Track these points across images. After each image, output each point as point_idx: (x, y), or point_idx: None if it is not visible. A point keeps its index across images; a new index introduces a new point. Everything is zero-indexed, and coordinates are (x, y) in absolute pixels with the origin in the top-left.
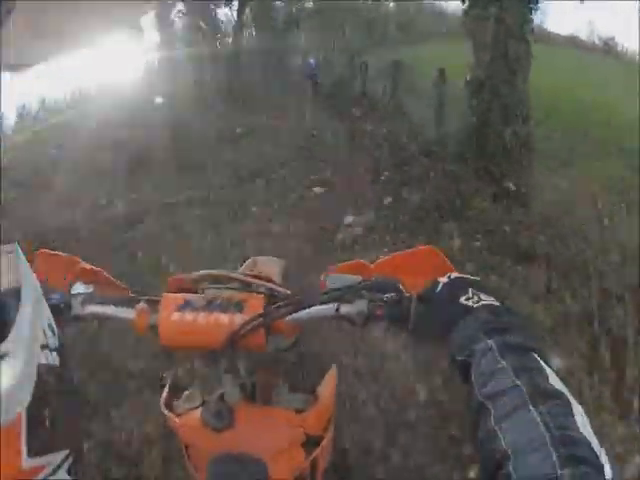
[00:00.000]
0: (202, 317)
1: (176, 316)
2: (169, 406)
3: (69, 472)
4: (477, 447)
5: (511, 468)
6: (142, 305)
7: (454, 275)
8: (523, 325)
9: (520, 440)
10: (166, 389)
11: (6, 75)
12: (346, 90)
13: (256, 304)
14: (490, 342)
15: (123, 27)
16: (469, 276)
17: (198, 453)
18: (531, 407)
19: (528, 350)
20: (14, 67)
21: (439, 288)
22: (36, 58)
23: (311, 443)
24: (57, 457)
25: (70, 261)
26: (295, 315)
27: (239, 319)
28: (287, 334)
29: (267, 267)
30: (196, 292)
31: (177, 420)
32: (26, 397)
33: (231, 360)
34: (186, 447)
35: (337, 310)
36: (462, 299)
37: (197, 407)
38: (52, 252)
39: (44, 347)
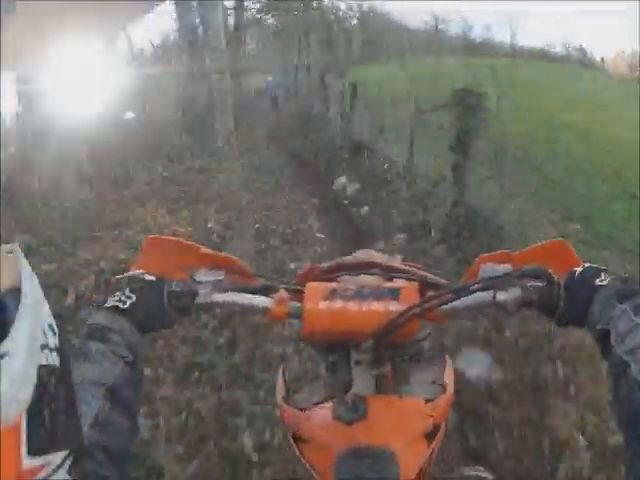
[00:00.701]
0: (354, 305)
1: (324, 304)
2: (287, 400)
3: (69, 472)
4: (616, 403)
5: None
6: (282, 293)
7: (587, 264)
8: None
9: None
10: (281, 383)
11: (6, 75)
12: (305, 110)
13: (412, 292)
14: (624, 306)
15: (120, 28)
16: (600, 266)
17: (324, 449)
18: None
19: None
20: (14, 67)
21: (577, 274)
22: (36, 58)
23: (433, 434)
24: (57, 457)
25: (189, 247)
26: (453, 303)
27: (395, 307)
28: (440, 322)
29: (384, 258)
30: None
31: (301, 415)
32: (26, 397)
33: (371, 350)
34: (304, 443)
35: (494, 297)
36: (597, 281)
37: (324, 401)
38: (165, 238)
39: (44, 347)
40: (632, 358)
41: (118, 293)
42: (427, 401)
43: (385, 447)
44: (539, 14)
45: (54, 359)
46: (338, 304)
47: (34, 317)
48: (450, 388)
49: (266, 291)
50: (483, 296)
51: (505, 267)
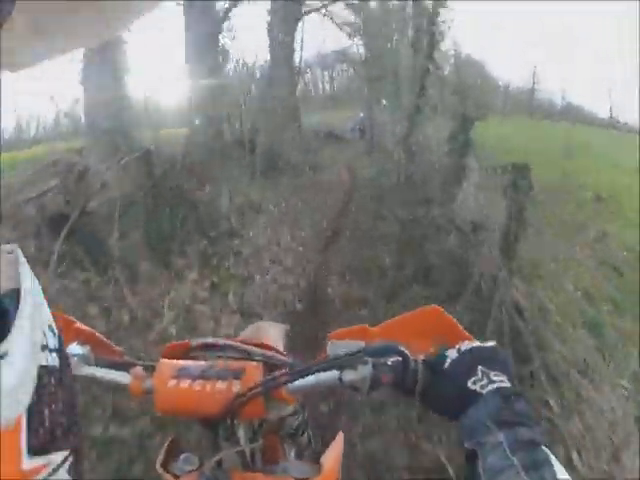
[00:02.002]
0: (198, 385)
1: (172, 383)
2: (165, 467)
3: (69, 472)
4: None
5: None
6: (138, 369)
7: (463, 348)
8: (531, 414)
9: None
10: (163, 450)
11: (6, 75)
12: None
13: (255, 372)
14: (501, 435)
15: (123, 29)
16: (479, 344)
17: None
18: None
19: (539, 445)
20: (14, 67)
21: (447, 364)
22: (36, 58)
23: None
24: (57, 457)
25: (66, 321)
26: (296, 383)
27: (237, 387)
28: (288, 402)
29: (269, 332)
30: (193, 360)
31: None
32: (26, 397)
33: (229, 428)
34: None
35: (340, 378)
36: (470, 382)
37: (195, 470)
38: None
39: (44, 348)
40: None
41: None
42: None
43: None
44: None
45: (54, 360)
46: (184, 384)
47: (34, 317)
48: (328, 469)
49: (126, 367)
50: (329, 376)
51: (355, 344)
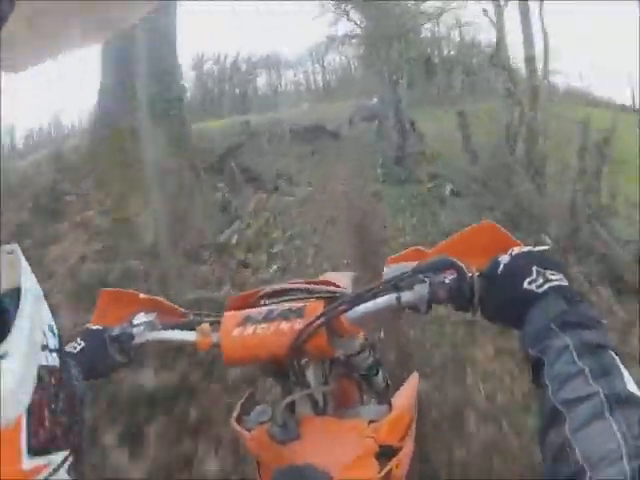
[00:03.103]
0: (262, 328)
1: (236, 332)
2: (239, 421)
3: (69, 472)
4: (546, 452)
5: None
6: (204, 325)
7: (515, 251)
8: (597, 317)
9: (596, 453)
10: (238, 405)
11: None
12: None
13: (316, 308)
14: (567, 339)
15: (122, 28)
16: (532, 248)
17: (266, 466)
18: (608, 415)
19: (606, 349)
20: (14, 67)
21: (500, 268)
22: (36, 58)
23: (385, 455)
24: (57, 457)
25: (131, 295)
26: (355, 311)
27: (300, 324)
28: (352, 333)
29: (337, 280)
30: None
31: (246, 434)
32: (26, 397)
33: (298, 371)
34: (257, 461)
35: (398, 299)
36: (526, 283)
37: (266, 421)
38: (114, 290)
39: (44, 348)
40: (569, 410)
41: (72, 342)
42: (371, 422)
43: (321, 468)
44: None
45: (54, 360)
46: (249, 330)
47: (34, 318)
48: (399, 409)
49: (193, 325)
50: (388, 299)
51: (409, 266)
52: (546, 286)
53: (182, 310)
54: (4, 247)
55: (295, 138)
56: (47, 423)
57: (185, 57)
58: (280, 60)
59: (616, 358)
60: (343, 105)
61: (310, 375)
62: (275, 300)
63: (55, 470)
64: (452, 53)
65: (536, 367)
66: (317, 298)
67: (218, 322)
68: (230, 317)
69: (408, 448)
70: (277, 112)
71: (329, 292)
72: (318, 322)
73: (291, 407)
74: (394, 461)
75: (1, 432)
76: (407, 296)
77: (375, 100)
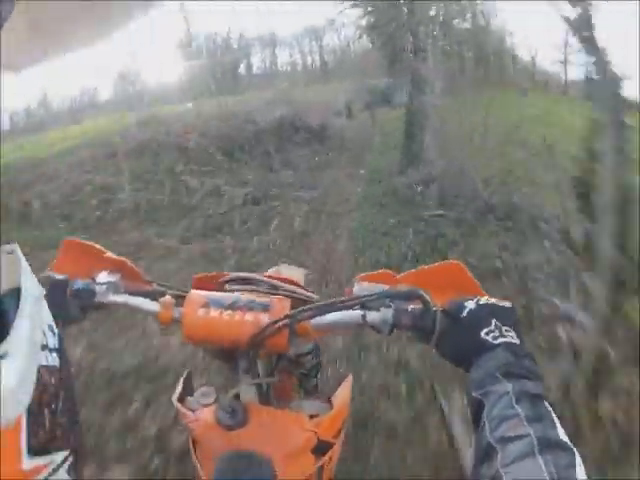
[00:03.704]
0: (227, 315)
1: (201, 312)
2: (182, 401)
3: (69, 472)
4: None
5: None
6: (167, 298)
7: (482, 301)
8: (538, 372)
9: None
10: (180, 384)
11: (6, 75)
12: None
13: (282, 306)
14: (508, 386)
15: (121, 28)
16: (495, 301)
17: (207, 450)
18: (538, 455)
19: (542, 399)
20: (14, 67)
21: (465, 312)
22: (36, 58)
23: (320, 450)
24: (57, 457)
25: (96, 251)
26: (321, 319)
27: (265, 319)
28: (311, 337)
29: (291, 273)
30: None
31: (190, 415)
32: (26, 397)
33: (251, 359)
34: (194, 443)
35: (363, 317)
36: (483, 332)
37: (211, 404)
38: (79, 241)
39: (44, 347)
40: (502, 447)
41: None
42: (312, 417)
43: (264, 455)
44: None
45: (54, 359)
46: (214, 313)
47: (34, 317)
48: (338, 406)
49: (156, 295)
50: (354, 315)
51: (379, 287)
52: (500, 340)
53: (146, 278)
54: (4, 247)
55: (236, 149)
56: (47, 423)
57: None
58: (275, 39)
59: (550, 409)
60: (339, 87)
61: (259, 366)
62: (239, 287)
63: (55, 470)
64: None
65: (477, 408)
66: (283, 295)
67: (182, 297)
68: (195, 296)
69: (339, 445)
70: (243, 95)
71: (296, 293)
72: (284, 321)
73: (236, 393)
74: (328, 455)
75: (1, 432)
76: (372, 316)
77: (387, 81)
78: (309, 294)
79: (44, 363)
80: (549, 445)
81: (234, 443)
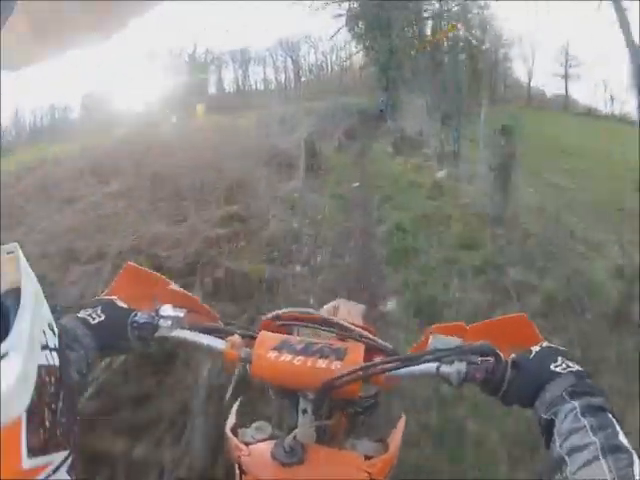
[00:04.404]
0: (299, 360)
1: (272, 354)
2: (235, 432)
3: (69, 472)
4: None
5: None
6: (236, 337)
7: (546, 344)
8: (600, 389)
9: None
10: (233, 414)
11: (6, 75)
12: None
13: (357, 354)
14: (574, 403)
15: (121, 28)
16: (559, 347)
17: None
18: (602, 460)
19: (605, 410)
20: (14, 67)
21: (532, 355)
22: (36, 58)
23: None
24: (57, 457)
25: (160, 281)
26: (397, 372)
27: (337, 367)
28: (383, 387)
29: (350, 312)
30: (290, 333)
31: (243, 448)
32: (26, 397)
33: (317, 403)
34: (242, 475)
35: (438, 370)
36: (552, 366)
37: (266, 439)
38: (142, 268)
39: (44, 347)
40: (570, 457)
41: (90, 309)
42: (367, 458)
43: None
44: None
45: (54, 359)
46: (285, 356)
47: (34, 317)
48: (393, 449)
49: (222, 334)
50: (427, 367)
51: (455, 340)
52: (567, 370)
53: (213, 314)
54: (4, 247)
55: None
56: (47, 423)
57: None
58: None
59: (613, 419)
60: (317, 106)
61: (322, 408)
62: (311, 326)
63: (55, 470)
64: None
65: (548, 429)
66: (355, 340)
67: (251, 337)
68: (267, 337)
69: None
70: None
71: (369, 339)
72: (360, 373)
73: (294, 432)
74: None
75: (1, 432)
76: (446, 369)
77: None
78: (384, 343)
79: (44, 362)
80: (611, 450)
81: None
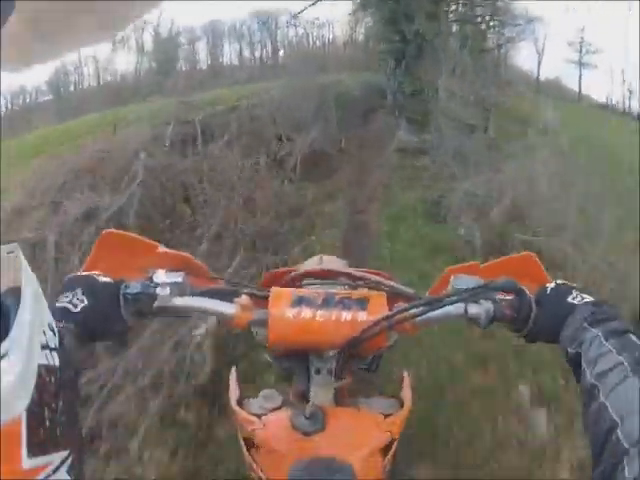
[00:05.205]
0: (322, 315)
1: (291, 312)
2: (241, 404)
3: (69, 472)
4: (586, 424)
5: (619, 432)
6: (245, 298)
7: (559, 281)
8: (618, 312)
9: (626, 406)
10: (234, 386)
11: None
12: None
13: (380, 302)
14: (596, 331)
15: (122, 28)
16: (569, 283)
17: (278, 456)
18: (632, 376)
19: (627, 332)
20: (14, 67)
21: (549, 291)
22: (36, 58)
23: (388, 448)
24: (57, 457)
25: (146, 245)
26: (424, 317)
27: (363, 317)
28: (409, 334)
29: (335, 265)
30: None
31: (255, 421)
32: (26, 397)
33: (341, 361)
34: (257, 448)
35: (465, 311)
36: (569, 298)
37: (278, 408)
38: (121, 233)
39: (44, 347)
40: (601, 382)
41: (69, 293)
42: (386, 416)
43: (343, 460)
44: None
45: (54, 359)
46: (306, 312)
47: (34, 317)
48: (408, 404)
49: (228, 295)
50: (454, 308)
51: (476, 280)
52: (583, 300)
53: (212, 274)
54: (4, 247)
55: None
56: (47, 423)
57: None
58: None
59: (635, 339)
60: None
61: (339, 366)
62: (317, 282)
63: (55, 470)
64: None
65: (575, 361)
66: (371, 288)
67: (263, 297)
68: (281, 293)
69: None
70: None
71: (387, 286)
72: (386, 322)
73: (304, 395)
74: (392, 452)
75: (1, 432)
76: (474, 308)
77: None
78: (407, 289)
79: (44, 362)
80: (639, 364)
81: (312, 448)
